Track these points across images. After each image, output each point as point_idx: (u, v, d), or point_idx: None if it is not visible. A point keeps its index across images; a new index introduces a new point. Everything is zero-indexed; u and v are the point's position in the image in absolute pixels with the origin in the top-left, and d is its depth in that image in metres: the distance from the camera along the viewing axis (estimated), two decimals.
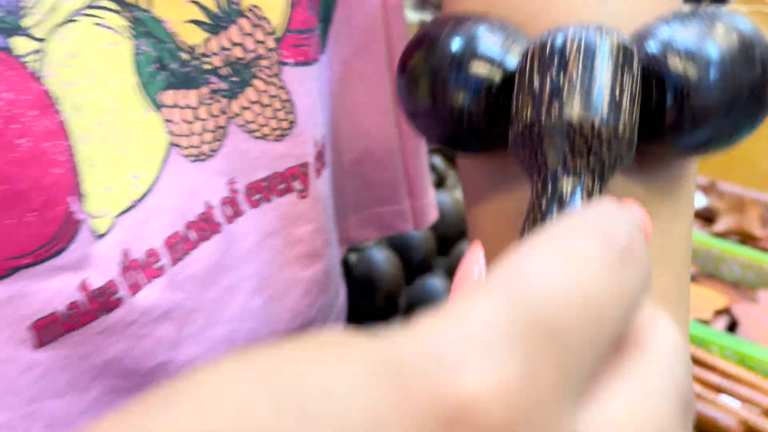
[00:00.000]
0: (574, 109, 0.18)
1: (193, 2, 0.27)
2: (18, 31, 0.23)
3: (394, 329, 0.11)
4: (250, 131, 0.31)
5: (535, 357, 0.11)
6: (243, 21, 0.29)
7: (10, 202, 0.24)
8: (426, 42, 0.23)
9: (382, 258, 0.74)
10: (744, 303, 0.69)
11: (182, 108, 0.28)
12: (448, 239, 0.75)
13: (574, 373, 0.11)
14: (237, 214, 0.31)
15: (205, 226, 0.30)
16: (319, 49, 0.34)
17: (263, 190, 0.32)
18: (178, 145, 0.28)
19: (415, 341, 0.11)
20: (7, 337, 0.25)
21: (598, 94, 0.19)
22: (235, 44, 0.29)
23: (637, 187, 0.22)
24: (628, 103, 0.19)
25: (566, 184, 0.19)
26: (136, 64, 0.27)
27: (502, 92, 0.21)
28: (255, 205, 0.32)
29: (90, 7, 0.25)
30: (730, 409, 0.62)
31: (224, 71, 0.29)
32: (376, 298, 0.74)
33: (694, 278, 0.69)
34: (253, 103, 0.30)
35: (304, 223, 0.34)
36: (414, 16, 1.19)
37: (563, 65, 0.19)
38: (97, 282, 0.26)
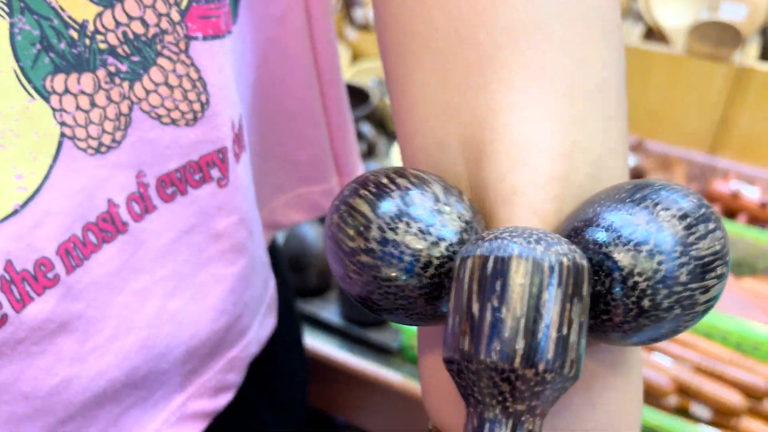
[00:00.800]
0: (517, 352, 0.16)
1: None
2: None
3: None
4: (158, 116, 0.27)
5: None
6: None
7: None
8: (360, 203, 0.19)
9: (313, 234, 0.71)
10: None
11: (76, 94, 0.25)
12: None
13: None
14: (148, 210, 0.28)
15: (107, 227, 0.26)
16: (231, 20, 0.30)
17: (177, 182, 0.29)
18: (72, 137, 0.25)
19: None
20: None
21: (545, 336, 0.17)
22: (133, 18, 0.25)
23: (589, 360, 0.20)
24: (576, 337, 0.17)
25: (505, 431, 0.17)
26: (14, 46, 0.23)
27: (439, 270, 0.19)
28: (168, 199, 0.29)
29: None
30: (662, 367, 0.63)
31: (123, 50, 0.25)
32: (308, 275, 0.72)
33: None
34: (159, 84, 0.27)
35: (226, 215, 0.31)
36: None
37: (505, 296, 0.17)
38: None
